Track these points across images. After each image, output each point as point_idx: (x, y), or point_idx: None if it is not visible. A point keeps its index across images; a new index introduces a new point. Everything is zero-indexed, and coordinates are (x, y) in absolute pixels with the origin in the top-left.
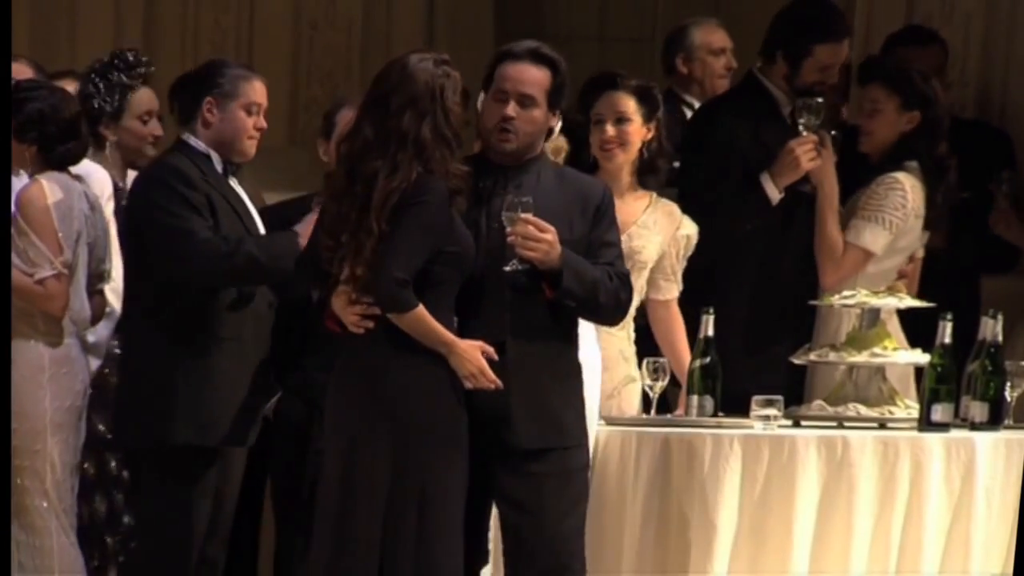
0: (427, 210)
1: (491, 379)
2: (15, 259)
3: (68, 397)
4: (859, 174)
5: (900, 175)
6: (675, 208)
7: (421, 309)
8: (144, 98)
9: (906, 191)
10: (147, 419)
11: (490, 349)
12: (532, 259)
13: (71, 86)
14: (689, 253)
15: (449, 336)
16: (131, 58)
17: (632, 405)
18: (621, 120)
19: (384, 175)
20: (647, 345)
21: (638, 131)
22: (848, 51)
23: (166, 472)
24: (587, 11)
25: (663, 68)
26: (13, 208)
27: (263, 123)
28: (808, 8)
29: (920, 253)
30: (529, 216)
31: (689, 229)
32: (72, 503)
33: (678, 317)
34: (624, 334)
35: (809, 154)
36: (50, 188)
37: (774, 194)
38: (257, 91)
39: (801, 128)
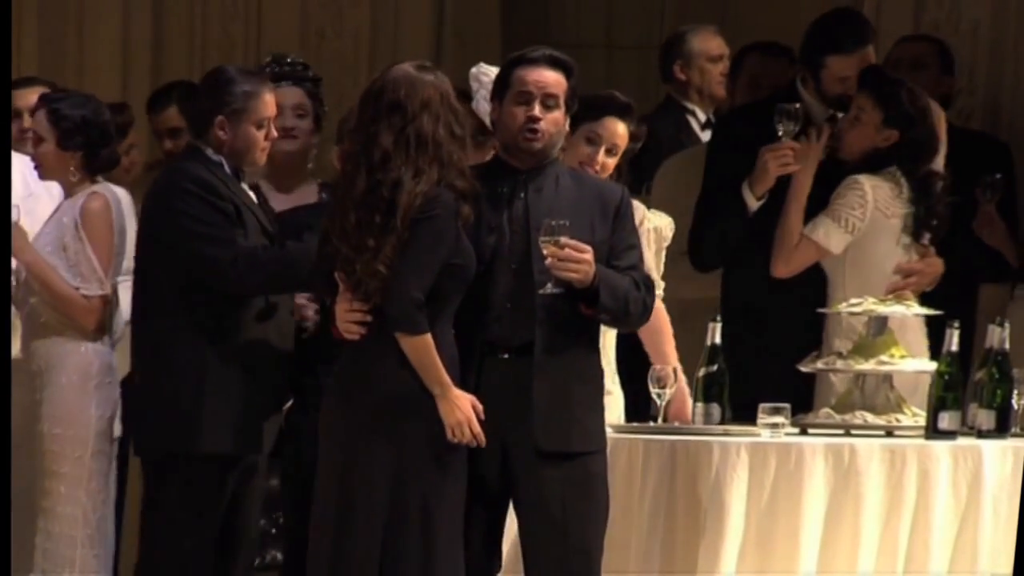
0: (438, 224)
1: (476, 432)
2: (63, 268)
3: (109, 407)
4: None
5: (861, 176)
6: (638, 205)
7: (429, 337)
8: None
9: (865, 191)
10: (172, 428)
11: (479, 405)
12: (573, 280)
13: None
14: (665, 246)
15: (446, 378)
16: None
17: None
18: (613, 150)
19: (409, 178)
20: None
21: (615, 162)
22: (871, 59)
23: (186, 481)
24: (594, 19)
25: (660, 75)
26: (75, 217)
27: (274, 133)
28: (826, 19)
29: (929, 250)
30: (567, 240)
31: (657, 221)
32: (104, 512)
33: (663, 318)
34: (600, 344)
35: (780, 160)
36: (112, 203)
37: (751, 202)
38: (268, 106)
39: (779, 133)
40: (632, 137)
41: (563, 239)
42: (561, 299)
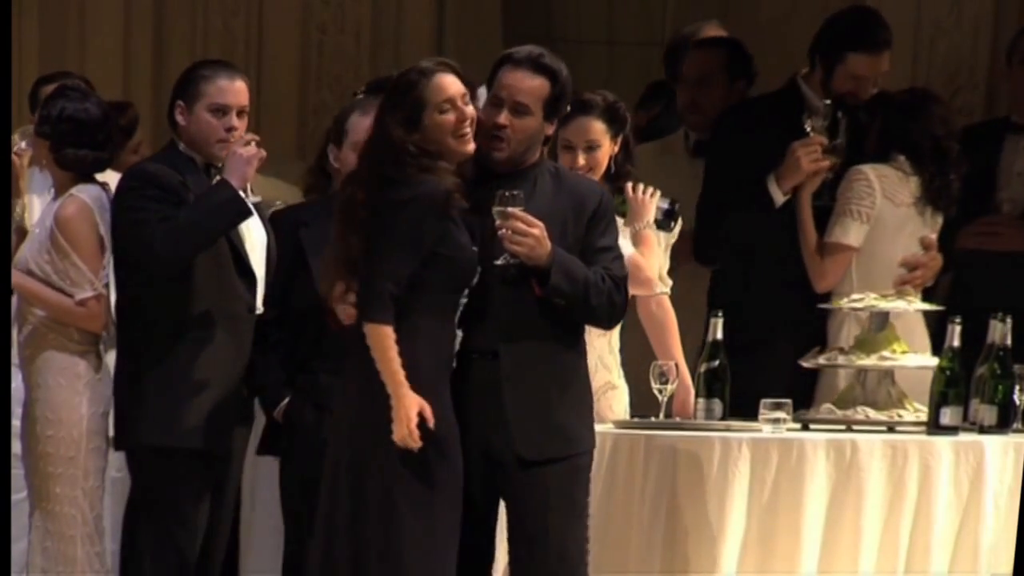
0: (410, 211)
1: (415, 440)
2: (54, 277)
3: (102, 403)
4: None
5: (863, 166)
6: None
7: (388, 331)
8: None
9: (870, 179)
10: (119, 419)
11: (427, 409)
12: (518, 253)
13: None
14: (672, 243)
15: (399, 376)
16: None
17: (613, 412)
18: (591, 147)
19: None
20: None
21: (607, 153)
22: (886, 66)
23: (157, 477)
24: (596, 15)
25: (667, 73)
26: (51, 224)
27: (234, 123)
28: (850, 15)
29: (933, 242)
30: (517, 211)
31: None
32: (100, 510)
33: (669, 313)
34: (605, 341)
35: (811, 156)
36: (91, 205)
37: (778, 196)
38: (224, 92)
39: (808, 129)
40: (611, 120)
41: (510, 209)
42: (520, 285)
